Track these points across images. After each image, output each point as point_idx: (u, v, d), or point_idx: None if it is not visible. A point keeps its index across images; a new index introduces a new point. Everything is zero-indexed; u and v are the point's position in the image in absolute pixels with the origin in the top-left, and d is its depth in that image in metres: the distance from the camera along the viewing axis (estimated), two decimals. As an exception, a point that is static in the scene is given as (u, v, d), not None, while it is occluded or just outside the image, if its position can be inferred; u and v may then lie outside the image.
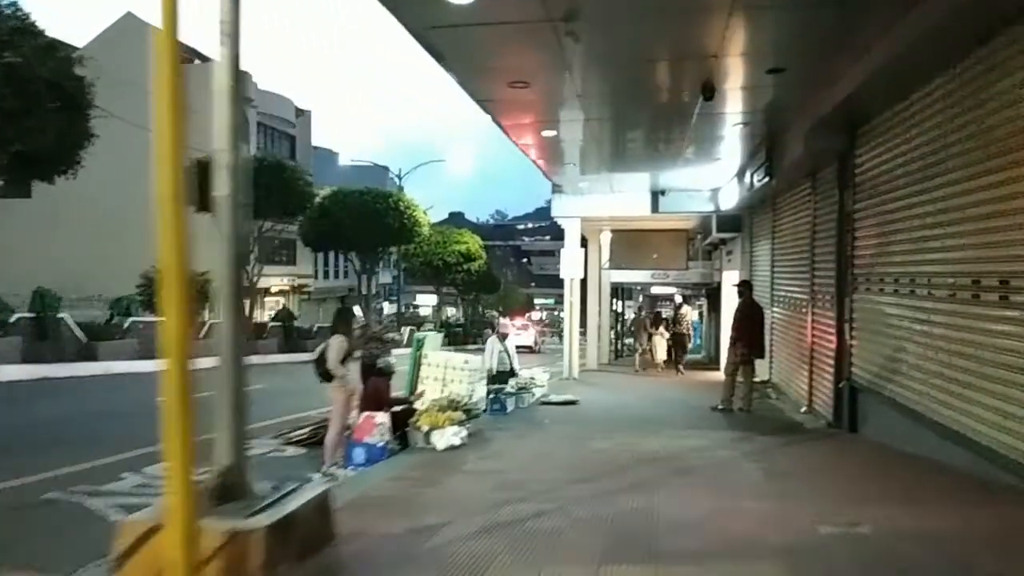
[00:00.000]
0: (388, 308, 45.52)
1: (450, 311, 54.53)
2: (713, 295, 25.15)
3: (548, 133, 10.00)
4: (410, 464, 6.82)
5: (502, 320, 13.04)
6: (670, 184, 15.93)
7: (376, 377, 8.70)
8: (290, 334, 26.33)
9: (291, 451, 8.77)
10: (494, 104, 8.56)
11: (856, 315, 8.45)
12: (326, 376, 7.45)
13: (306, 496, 3.37)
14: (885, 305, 7.51)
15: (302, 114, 48.14)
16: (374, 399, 8.15)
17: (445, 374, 9.86)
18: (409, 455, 7.34)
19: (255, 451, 8.74)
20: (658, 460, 6.75)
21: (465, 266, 41.05)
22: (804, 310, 10.95)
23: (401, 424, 7.90)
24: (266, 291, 41.58)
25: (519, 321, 40.70)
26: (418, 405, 8.87)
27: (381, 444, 7.30)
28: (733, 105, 8.68)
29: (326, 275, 50.30)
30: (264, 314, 35.10)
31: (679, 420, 10.09)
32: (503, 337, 12.23)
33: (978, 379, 5.62)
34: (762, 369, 13.42)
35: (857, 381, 8.39)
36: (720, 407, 10.79)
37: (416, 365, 9.96)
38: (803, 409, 10.61)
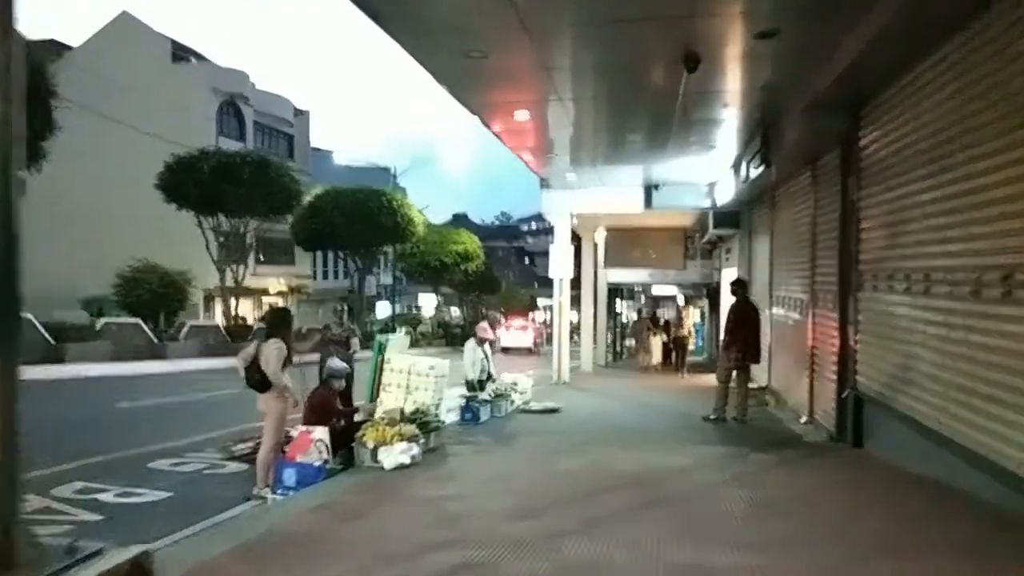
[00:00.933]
0: (384, 309, 44.60)
1: (454, 312, 53.65)
2: (713, 295, 24.21)
3: (521, 115, 9.09)
4: (345, 488, 5.93)
5: (481, 324, 12.09)
6: (664, 178, 15.01)
7: (323, 387, 7.83)
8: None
9: (232, 467, 7.88)
10: (454, 79, 7.66)
11: (862, 316, 7.52)
12: (262, 385, 6.57)
13: (109, 563, 2.49)
14: (895, 305, 6.58)
15: (300, 114, 47.46)
16: (320, 412, 7.27)
17: (409, 380, 8.93)
18: (350, 476, 6.45)
19: (192, 466, 7.94)
20: (630, 485, 5.83)
21: (463, 266, 40.14)
22: (805, 311, 10.02)
23: (348, 439, 7.02)
24: (264, 291, 40.90)
25: (519, 321, 39.74)
26: (379, 415, 8.01)
27: (318, 463, 6.40)
28: (723, 81, 7.77)
29: (325, 275, 49.71)
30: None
31: (666, 432, 9.18)
32: (482, 342, 11.35)
33: (1007, 392, 4.70)
34: (760, 374, 12.53)
35: (863, 391, 7.46)
36: (712, 417, 9.88)
37: (378, 371, 9.05)
38: (803, 419, 9.68)
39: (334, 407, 7.56)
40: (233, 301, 25.88)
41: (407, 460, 6.62)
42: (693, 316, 34.49)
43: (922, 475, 5.83)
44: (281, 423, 6.61)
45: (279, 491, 6.26)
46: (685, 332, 22.34)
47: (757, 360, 10.25)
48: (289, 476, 6.29)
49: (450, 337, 40.05)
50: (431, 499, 5.42)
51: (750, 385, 10.34)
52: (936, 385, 5.72)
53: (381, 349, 9.07)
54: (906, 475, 6.02)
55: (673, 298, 38.52)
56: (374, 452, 6.71)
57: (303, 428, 6.64)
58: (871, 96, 7.09)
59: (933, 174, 5.79)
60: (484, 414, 10.04)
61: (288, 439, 6.75)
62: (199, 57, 42.38)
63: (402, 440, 6.73)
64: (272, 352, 6.42)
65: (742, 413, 9.76)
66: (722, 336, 10.41)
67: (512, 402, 11.18)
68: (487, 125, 9.94)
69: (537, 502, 5.22)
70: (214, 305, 33.69)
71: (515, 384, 12.06)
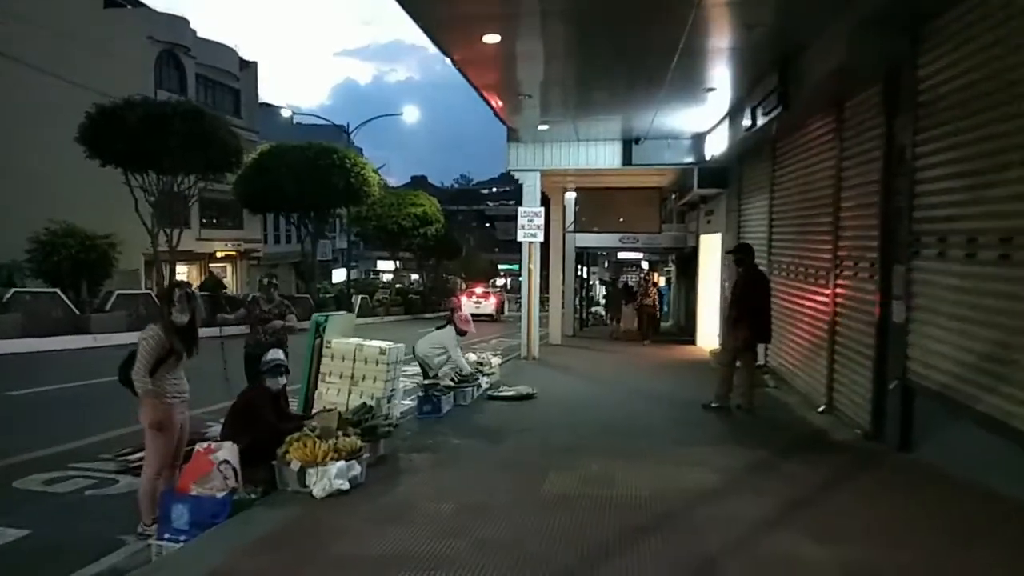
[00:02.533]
0: (341, 275, 42.46)
1: (414, 277, 51.72)
2: (686, 260, 22.89)
3: (491, 39, 7.28)
4: (257, 536, 4.27)
5: (461, 312, 10.25)
6: (645, 130, 13.38)
7: (254, 386, 6.05)
8: (218, 304, 23.31)
9: (124, 483, 6.11)
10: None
11: (920, 289, 6.04)
12: (132, 384, 4.85)
13: None
14: (979, 278, 5.10)
15: (247, 66, 44.33)
16: (245, 421, 5.52)
17: (355, 369, 7.25)
18: (267, 511, 4.76)
19: (73, 483, 6.18)
20: (649, 526, 4.28)
21: (422, 230, 38.10)
22: (822, 281, 8.58)
23: (267, 454, 5.31)
24: (209, 256, 38.39)
25: (480, 289, 38.42)
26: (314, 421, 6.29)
27: (221, 495, 4.71)
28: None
29: (278, 239, 47.33)
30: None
31: (666, 428, 7.68)
32: (463, 333, 9.66)
33: None
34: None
35: (917, 381, 6.03)
36: (714, 404, 8.45)
37: (314, 358, 7.32)
38: (819, 408, 8.30)
39: (264, 414, 5.71)
40: (171, 267, 23.60)
41: (345, 484, 4.98)
42: (659, 282, 33.36)
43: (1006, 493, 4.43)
44: (164, 440, 4.88)
45: (166, 536, 4.55)
46: (651, 301, 21.53)
47: (768, 339, 8.81)
48: (180, 515, 4.57)
49: (408, 304, 38.28)
50: (377, 559, 3.78)
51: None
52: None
53: (319, 330, 7.34)
54: (1001, 501, 4.60)
55: (637, 263, 37.35)
56: (301, 474, 5.05)
57: (202, 446, 4.91)
58: (939, 10, 5.52)
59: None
60: (446, 404, 8.44)
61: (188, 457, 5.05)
62: (135, 3, 38.93)
63: (339, 458, 5.08)
64: (142, 344, 4.70)
65: (749, 401, 8.34)
66: (727, 311, 8.92)
67: (479, 387, 9.60)
68: (449, 54, 8.14)
69: (528, 564, 3.62)
70: (155, 272, 31.25)
71: (481, 365, 10.48)
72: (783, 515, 4.48)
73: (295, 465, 5.02)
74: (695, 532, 4.20)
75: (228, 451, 4.88)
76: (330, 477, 4.93)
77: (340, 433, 5.41)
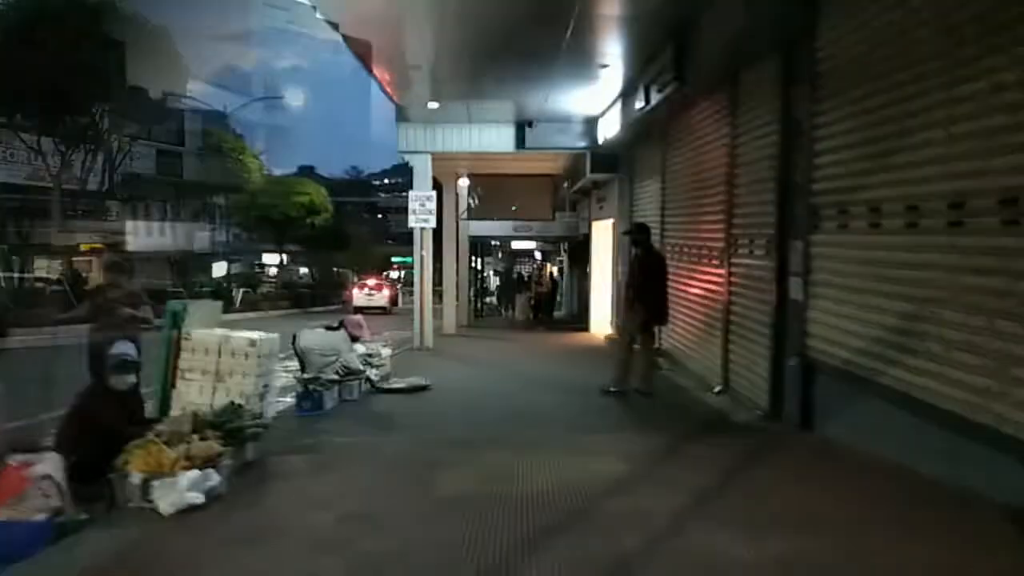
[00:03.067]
0: (222, 268, 39.91)
1: (303, 271, 49.55)
2: (578, 248, 22.93)
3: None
4: (84, 566, 3.48)
5: (353, 317, 9.84)
6: (538, 112, 13.03)
7: (95, 386, 5.14)
8: (79, 299, 21.22)
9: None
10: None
11: (819, 263, 5.91)
12: None
13: None
14: (882, 248, 4.97)
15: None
16: (81, 428, 4.66)
17: (220, 364, 6.42)
18: (101, 533, 3.95)
19: None
20: (555, 526, 3.82)
21: (309, 220, 36.41)
22: (715, 261, 8.47)
23: (108, 466, 4.46)
24: (74, 250, 35.16)
25: (373, 281, 37.19)
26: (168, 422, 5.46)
27: (41, 517, 3.86)
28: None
29: (156, 232, 44.01)
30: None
31: (566, 414, 7.31)
32: (355, 339, 9.17)
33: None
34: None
35: (817, 358, 5.91)
36: (613, 389, 8.17)
37: (171, 352, 6.43)
38: (716, 389, 8.19)
39: (105, 418, 4.82)
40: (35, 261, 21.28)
41: (199, 498, 4.23)
42: (553, 271, 33.52)
43: (936, 478, 4.30)
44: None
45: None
46: (544, 288, 21.73)
47: (665, 321, 8.61)
48: (-16, 545, 3.71)
49: (297, 298, 36.57)
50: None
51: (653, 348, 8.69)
52: (960, 354, 4.16)
53: (176, 321, 6.44)
54: (909, 475, 4.47)
55: (531, 252, 37.34)
56: (145, 487, 4.26)
57: (15, 460, 4.03)
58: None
59: (950, 67, 4.13)
60: (329, 400, 7.72)
61: None
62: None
63: (192, 467, 4.32)
64: None
65: (647, 384, 8.11)
66: (622, 292, 8.67)
67: (367, 380, 8.90)
68: (331, 19, 7.39)
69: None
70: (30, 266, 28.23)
71: (370, 356, 9.77)
72: (694, 504, 4.13)
73: (136, 477, 4.23)
74: (605, 529, 3.77)
75: (50, 464, 4.05)
76: (180, 490, 4.17)
77: (195, 437, 4.65)
